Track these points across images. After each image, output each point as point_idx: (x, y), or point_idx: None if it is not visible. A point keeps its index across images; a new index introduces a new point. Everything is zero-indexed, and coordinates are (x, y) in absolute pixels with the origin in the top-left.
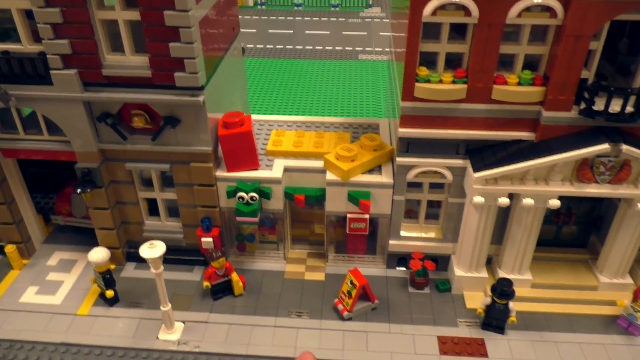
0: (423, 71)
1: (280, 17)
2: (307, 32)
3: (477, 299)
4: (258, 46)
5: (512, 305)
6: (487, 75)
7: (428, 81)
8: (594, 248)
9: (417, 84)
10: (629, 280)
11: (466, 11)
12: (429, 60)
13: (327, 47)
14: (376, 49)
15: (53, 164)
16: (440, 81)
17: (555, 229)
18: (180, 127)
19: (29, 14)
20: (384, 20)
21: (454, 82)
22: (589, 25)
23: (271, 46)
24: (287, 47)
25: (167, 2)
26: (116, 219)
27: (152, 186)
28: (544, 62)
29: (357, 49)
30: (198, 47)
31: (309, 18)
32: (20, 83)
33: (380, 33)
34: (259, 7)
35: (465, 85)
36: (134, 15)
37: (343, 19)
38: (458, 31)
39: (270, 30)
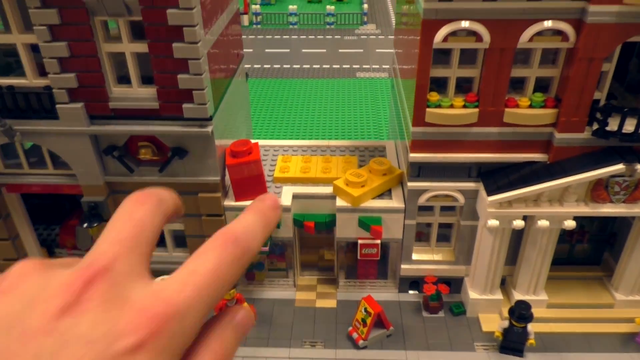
0: (434, 96)
1: (276, 36)
2: (303, 50)
3: (493, 322)
4: (255, 66)
5: (531, 327)
6: (499, 99)
7: (439, 106)
8: (608, 265)
9: (428, 110)
10: None
11: (477, 37)
12: (439, 83)
13: (324, 66)
14: (374, 66)
15: (55, 194)
16: (452, 106)
17: (569, 247)
18: (188, 158)
19: (34, 48)
20: (379, 37)
21: (465, 106)
22: (601, 48)
23: (268, 66)
24: (285, 66)
25: (176, 34)
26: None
27: None
28: (555, 83)
29: (354, 66)
30: (207, 77)
31: (304, 36)
32: (26, 118)
33: (377, 50)
34: (254, 26)
35: (476, 110)
36: (142, 47)
37: (339, 37)
38: (468, 54)
39: (266, 50)
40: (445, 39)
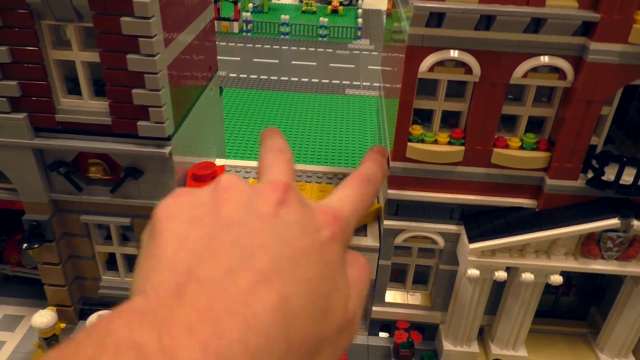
0: (417, 130)
1: (266, 46)
2: (293, 62)
3: None
4: (241, 76)
5: None
6: (487, 138)
7: (422, 141)
8: (594, 321)
9: (409, 144)
10: None
11: (467, 68)
12: (423, 114)
13: (313, 80)
14: (364, 84)
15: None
16: (436, 141)
17: (554, 299)
18: (143, 179)
19: None
20: (372, 52)
21: (450, 142)
22: (602, 90)
23: (255, 76)
24: (272, 77)
25: (131, 45)
26: (68, 275)
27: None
28: (549, 124)
29: (344, 82)
30: (166, 94)
31: (295, 47)
32: None
33: (369, 67)
34: (244, 34)
35: (462, 148)
36: (94, 56)
37: (331, 50)
38: (457, 86)
39: (255, 59)
40: (431, 69)
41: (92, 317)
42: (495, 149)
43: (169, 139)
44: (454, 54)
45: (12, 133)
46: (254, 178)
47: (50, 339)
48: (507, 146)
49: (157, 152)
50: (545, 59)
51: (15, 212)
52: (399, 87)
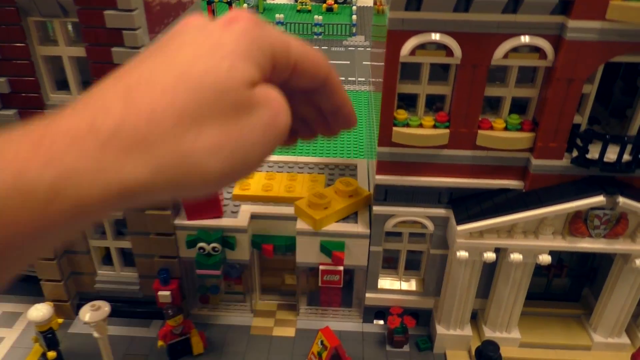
0: (402, 114)
1: None
2: None
3: (461, 359)
4: None
5: None
6: (472, 120)
7: (407, 125)
8: (587, 302)
9: (395, 129)
10: (625, 339)
11: (448, 51)
12: (410, 100)
13: None
14: (359, 79)
15: None
16: (421, 125)
17: (546, 282)
18: None
19: None
20: (367, 49)
21: (435, 126)
22: (582, 68)
23: None
24: None
25: (116, 38)
26: (64, 270)
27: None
28: (532, 104)
29: (340, 79)
30: None
31: None
32: None
33: (364, 62)
34: None
35: (447, 130)
36: (81, 51)
37: (326, 47)
38: (441, 70)
39: None
40: (412, 52)
41: (84, 309)
42: (480, 131)
43: None
44: (435, 36)
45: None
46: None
47: (46, 333)
48: (491, 128)
49: None
50: (525, 39)
51: None
52: (383, 73)
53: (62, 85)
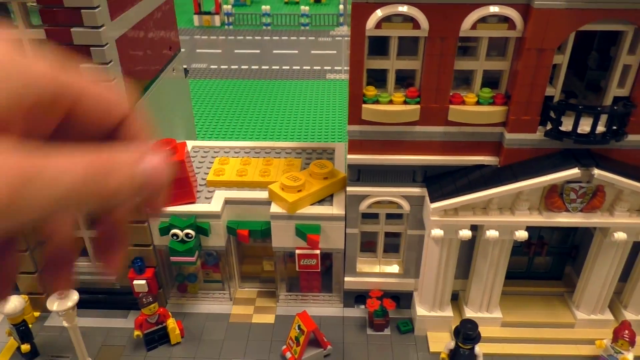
0: (371, 91)
1: (247, 37)
2: (275, 51)
3: (442, 341)
4: (222, 67)
5: (479, 349)
6: (442, 95)
7: (377, 102)
8: (570, 280)
9: (364, 106)
10: (608, 316)
11: (415, 23)
12: (380, 78)
13: (294, 67)
14: (345, 68)
15: None
16: (391, 101)
17: (527, 261)
18: None
19: None
20: None
21: (405, 102)
22: (552, 38)
23: (236, 67)
24: (253, 67)
25: (74, 18)
26: (38, 262)
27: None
28: (504, 78)
29: (325, 68)
30: (115, 68)
31: (277, 37)
32: None
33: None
34: (226, 27)
35: (418, 106)
36: (40, 34)
37: (313, 38)
38: (410, 44)
39: (236, 51)
40: (379, 25)
41: (52, 298)
42: (451, 106)
43: None
44: (401, 8)
45: None
46: (221, 157)
47: (19, 325)
48: (463, 102)
49: None
50: (493, 9)
51: None
52: (349, 47)
53: None
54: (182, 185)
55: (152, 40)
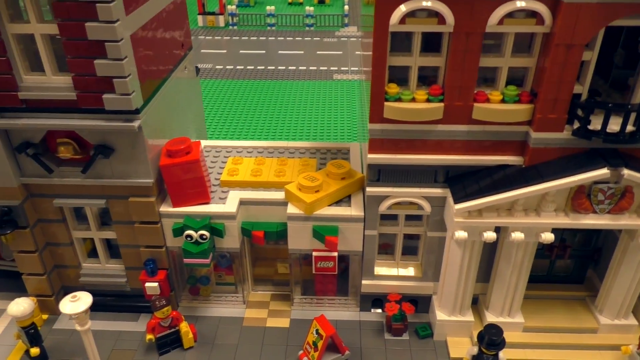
0: (393, 88)
1: (252, 38)
2: (280, 52)
3: (462, 346)
4: (227, 67)
5: (503, 355)
6: (467, 92)
7: (399, 99)
8: (592, 284)
9: (386, 103)
10: (633, 321)
11: (440, 18)
12: (401, 78)
13: (300, 67)
14: (352, 69)
15: None
16: (413, 99)
17: (548, 264)
18: (115, 157)
19: None
20: (360, 39)
21: (428, 100)
22: (581, 33)
23: (241, 67)
24: (259, 67)
25: (89, 12)
26: (47, 263)
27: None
28: (530, 76)
29: (332, 68)
30: (130, 64)
31: (282, 38)
32: None
33: (357, 52)
34: (230, 27)
35: (441, 104)
36: (53, 28)
37: (318, 39)
38: (434, 41)
39: (241, 51)
40: (402, 21)
41: (64, 301)
42: (475, 104)
43: (137, 112)
44: (426, 3)
45: None
46: (234, 157)
47: (28, 328)
48: (487, 100)
49: (125, 126)
50: (521, 3)
51: None
52: (372, 44)
53: (37, 66)
54: (197, 185)
55: (165, 36)
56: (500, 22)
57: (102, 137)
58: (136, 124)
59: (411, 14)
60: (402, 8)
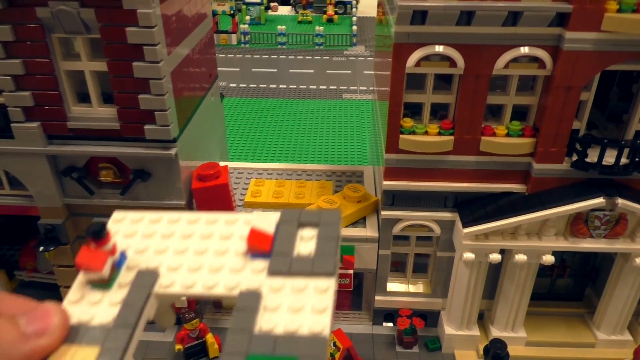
0: (408, 122)
1: (264, 56)
2: (291, 70)
3: (469, 359)
4: (241, 85)
5: None
6: (475, 127)
7: (413, 132)
8: (590, 301)
9: (401, 136)
10: (628, 336)
11: (451, 62)
12: (414, 108)
13: (311, 86)
14: (361, 88)
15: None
16: (426, 132)
17: (549, 282)
18: (151, 181)
19: None
20: (368, 58)
21: (440, 133)
22: (579, 77)
23: (254, 85)
24: (271, 86)
25: (136, 53)
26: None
27: None
28: (533, 112)
29: (341, 87)
30: (170, 98)
31: (292, 57)
32: None
33: (365, 72)
34: (242, 45)
35: (452, 137)
36: (102, 65)
37: (327, 57)
38: (444, 79)
39: (253, 69)
40: (418, 64)
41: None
42: (483, 137)
43: (174, 141)
44: (439, 48)
45: (26, 141)
46: (255, 178)
47: None
48: (494, 134)
49: (163, 153)
50: (525, 50)
51: (28, 220)
52: (389, 83)
53: (83, 98)
54: (225, 207)
55: (197, 70)
56: (506, 66)
57: (141, 163)
58: (173, 151)
59: (426, 58)
60: (418, 53)
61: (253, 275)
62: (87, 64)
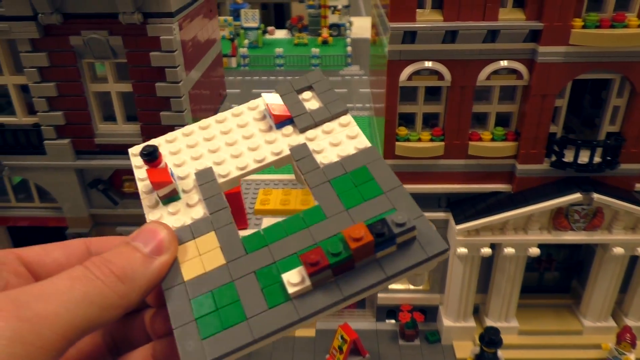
0: (402, 131)
1: (263, 77)
2: None
3: (467, 348)
4: None
5: (501, 353)
6: (463, 133)
7: (407, 140)
8: (577, 292)
9: (397, 143)
10: (611, 323)
11: (439, 75)
12: (408, 118)
13: None
14: (357, 105)
15: (43, 230)
16: (419, 139)
17: (538, 276)
18: None
19: (24, 88)
20: (363, 77)
21: (432, 140)
22: (553, 85)
23: None
24: None
25: (159, 75)
26: None
27: None
28: (514, 118)
29: None
30: (188, 114)
31: (290, 77)
32: (15, 153)
33: (360, 90)
34: (242, 68)
35: (442, 143)
36: (126, 87)
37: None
38: (434, 91)
39: (253, 90)
40: (410, 78)
41: None
42: (470, 142)
43: None
44: (428, 64)
45: (57, 157)
46: (263, 188)
47: None
48: (480, 139)
49: None
50: (504, 63)
51: (54, 230)
52: (385, 96)
53: (108, 116)
54: (237, 213)
55: (210, 88)
56: (488, 78)
57: None
58: None
59: (416, 73)
60: (410, 69)
61: (287, 138)
62: (114, 85)
